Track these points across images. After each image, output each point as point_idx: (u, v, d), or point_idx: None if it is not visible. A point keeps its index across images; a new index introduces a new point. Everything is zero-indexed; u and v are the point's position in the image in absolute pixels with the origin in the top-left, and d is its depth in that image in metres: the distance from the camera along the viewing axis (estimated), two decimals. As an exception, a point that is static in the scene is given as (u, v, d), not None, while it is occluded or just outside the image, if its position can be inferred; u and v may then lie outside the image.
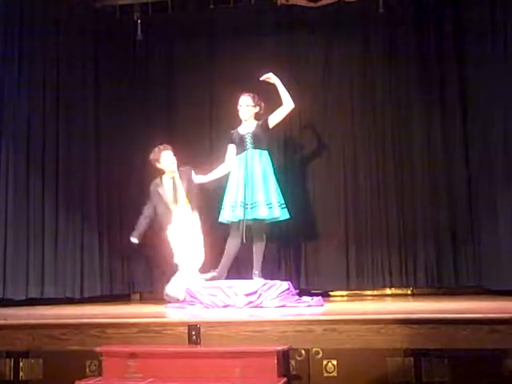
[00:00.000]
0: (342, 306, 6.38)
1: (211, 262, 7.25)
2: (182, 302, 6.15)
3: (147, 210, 6.69)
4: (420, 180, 7.53)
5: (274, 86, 6.43)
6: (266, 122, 6.42)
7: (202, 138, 7.91)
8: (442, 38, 7.56)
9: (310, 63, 7.88)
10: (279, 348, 4.09)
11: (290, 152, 7.83)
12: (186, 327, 4.33)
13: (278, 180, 6.41)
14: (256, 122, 6.47)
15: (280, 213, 6.29)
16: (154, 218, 6.69)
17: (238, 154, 6.47)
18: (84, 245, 7.37)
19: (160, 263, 7.34)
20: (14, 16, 6.92)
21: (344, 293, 7.62)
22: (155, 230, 6.80)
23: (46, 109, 7.11)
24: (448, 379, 4.05)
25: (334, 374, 4.20)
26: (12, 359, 4.60)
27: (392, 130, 7.67)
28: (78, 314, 5.49)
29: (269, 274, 6.76)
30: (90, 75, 7.65)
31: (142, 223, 6.64)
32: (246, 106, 6.45)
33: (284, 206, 6.35)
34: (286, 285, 6.01)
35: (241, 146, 6.43)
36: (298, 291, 6.48)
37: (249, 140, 6.40)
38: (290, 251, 7.68)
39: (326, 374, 4.21)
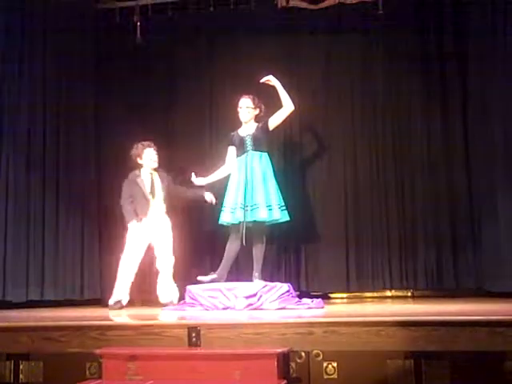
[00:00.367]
0: (343, 308, 6.39)
1: (211, 264, 7.29)
2: (182, 304, 6.15)
3: (128, 198, 6.60)
4: (420, 182, 7.53)
5: (274, 88, 6.43)
6: (266, 124, 6.42)
7: (202, 139, 7.90)
8: (443, 39, 7.57)
9: (311, 65, 7.88)
10: (279, 350, 4.08)
11: (290, 154, 7.83)
12: (186, 329, 4.33)
13: (278, 182, 6.41)
14: (256, 124, 6.47)
15: (280, 215, 6.29)
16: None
17: (238, 155, 6.47)
18: (84, 247, 7.36)
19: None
20: (14, 19, 6.94)
21: (344, 295, 7.61)
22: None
23: (46, 110, 7.13)
24: (448, 381, 4.04)
25: (335, 376, 4.20)
26: (12, 361, 4.60)
27: (392, 131, 7.68)
28: (78, 316, 5.49)
29: (269, 276, 6.78)
30: (90, 77, 7.65)
31: (129, 207, 6.57)
32: (246, 108, 6.45)
33: (284, 208, 6.35)
34: (286, 287, 6.01)
35: (241, 147, 6.43)
36: (298, 293, 6.48)
37: (249, 142, 6.40)
38: (290, 253, 7.68)
39: (326, 377, 4.21)
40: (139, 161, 6.71)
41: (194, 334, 4.29)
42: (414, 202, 7.52)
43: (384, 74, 7.74)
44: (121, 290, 6.47)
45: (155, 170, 6.76)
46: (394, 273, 7.44)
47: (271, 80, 6.43)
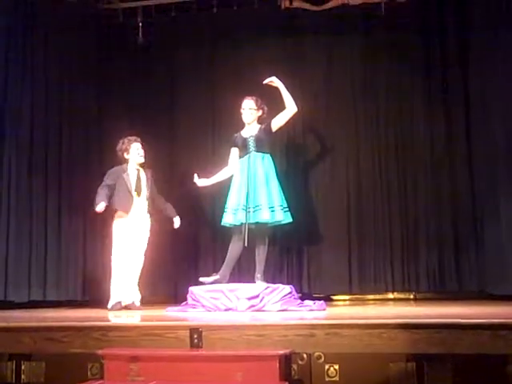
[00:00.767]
0: (345, 310, 6.37)
1: (213, 265, 7.29)
2: (184, 305, 6.14)
3: (106, 185, 6.49)
4: (423, 184, 7.53)
5: (277, 89, 6.43)
6: (268, 125, 6.42)
7: (205, 140, 7.91)
8: (445, 40, 7.58)
9: (313, 67, 7.89)
10: (281, 352, 4.07)
11: (293, 155, 7.83)
12: (188, 331, 4.32)
13: (280, 183, 6.41)
14: (259, 125, 6.47)
15: (282, 216, 6.28)
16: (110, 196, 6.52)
17: (240, 157, 6.47)
18: (87, 248, 7.37)
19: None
20: (16, 19, 6.95)
21: (346, 297, 7.61)
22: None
23: (48, 110, 7.14)
24: (450, 384, 4.04)
25: (336, 378, 4.19)
26: (14, 362, 4.60)
27: (395, 133, 7.68)
28: (81, 317, 5.49)
29: (271, 277, 6.77)
30: (92, 77, 7.66)
31: (102, 193, 6.43)
32: (249, 109, 6.46)
33: (286, 209, 6.35)
34: (288, 288, 6.01)
35: (243, 149, 6.43)
36: (300, 295, 6.47)
37: (252, 143, 6.39)
38: (292, 255, 7.68)
39: (327, 379, 4.20)
40: (126, 155, 6.64)
41: (195, 336, 4.28)
42: (417, 204, 7.52)
43: (387, 75, 7.74)
44: (118, 291, 6.41)
45: (141, 166, 6.69)
46: (396, 275, 7.44)
47: (274, 81, 6.43)
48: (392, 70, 7.72)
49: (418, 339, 4.05)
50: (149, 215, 6.63)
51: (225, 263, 6.35)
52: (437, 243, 7.39)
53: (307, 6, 7.53)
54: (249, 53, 7.82)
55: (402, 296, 7.53)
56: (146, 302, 6.70)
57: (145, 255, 6.59)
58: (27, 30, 7.03)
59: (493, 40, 6.75)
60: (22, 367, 4.60)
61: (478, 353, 3.99)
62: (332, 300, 7.47)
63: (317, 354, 4.21)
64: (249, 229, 6.17)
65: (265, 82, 6.45)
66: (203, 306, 5.95)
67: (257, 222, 6.22)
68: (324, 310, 5.86)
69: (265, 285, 6.04)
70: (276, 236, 7.05)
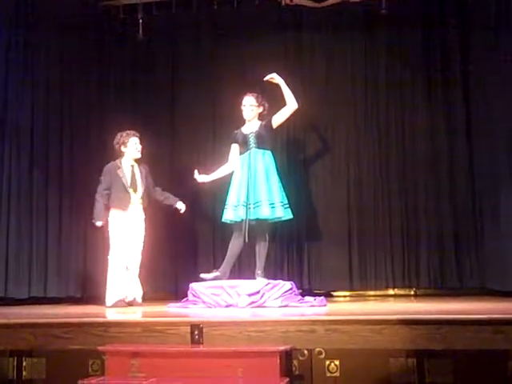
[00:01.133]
0: (345, 306, 6.38)
1: (214, 261, 7.29)
2: (185, 301, 6.15)
3: (104, 190, 6.46)
4: (423, 180, 7.52)
5: (277, 86, 6.43)
6: (269, 122, 6.42)
7: (206, 137, 7.90)
8: (446, 38, 7.56)
9: (314, 63, 7.87)
10: (282, 348, 4.08)
11: (293, 152, 7.82)
12: (189, 327, 4.33)
13: (281, 180, 6.41)
14: (259, 122, 6.47)
15: (283, 213, 6.29)
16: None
17: (241, 153, 6.47)
18: (87, 244, 7.37)
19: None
20: (17, 15, 6.94)
21: (347, 293, 7.61)
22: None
23: (49, 107, 7.14)
24: (451, 380, 4.04)
25: (337, 374, 4.20)
26: (15, 358, 4.61)
27: (396, 129, 7.67)
28: (81, 313, 5.50)
29: (272, 273, 6.78)
30: (93, 74, 7.66)
31: (101, 203, 6.43)
32: (250, 105, 6.46)
33: (287, 205, 6.35)
34: (288, 285, 6.02)
35: (244, 145, 6.44)
36: (300, 291, 6.49)
37: (252, 140, 6.40)
38: (292, 251, 7.67)
39: (328, 374, 4.21)
40: (123, 149, 6.58)
41: (196, 332, 4.29)
42: (417, 200, 7.51)
43: (387, 71, 7.72)
44: (119, 288, 6.38)
45: (136, 161, 6.65)
46: (397, 271, 7.43)
47: (275, 78, 6.43)
48: (392, 66, 7.71)
49: (419, 335, 4.06)
50: (143, 211, 6.59)
51: (225, 260, 6.35)
52: (437, 239, 7.38)
53: (307, 2, 7.51)
54: (249, 49, 7.80)
55: (402, 292, 7.53)
56: (147, 298, 6.70)
57: (142, 251, 6.55)
58: (27, 27, 7.01)
59: (495, 34, 6.74)
60: (23, 363, 4.62)
61: (478, 348, 4.00)
62: (332, 296, 7.47)
63: (317, 349, 4.22)
64: (249, 225, 6.18)
65: (265, 78, 6.46)
66: (204, 302, 5.96)
67: (257, 219, 6.23)
68: (325, 306, 5.87)
69: (265, 281, 6.05)
70: (276, 232, 7.05)
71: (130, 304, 6.40)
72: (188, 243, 7.71)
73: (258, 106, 6.46)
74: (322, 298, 6.04)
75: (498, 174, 6.71)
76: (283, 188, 6.39)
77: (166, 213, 6.84)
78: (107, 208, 6.47)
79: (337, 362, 4.21)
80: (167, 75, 8.12)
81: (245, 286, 5.97)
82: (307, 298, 6.00)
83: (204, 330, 4.30)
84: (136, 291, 6.52)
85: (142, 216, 6.58)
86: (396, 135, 7.67)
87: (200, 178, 6.61)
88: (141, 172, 6.62)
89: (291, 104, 6.39)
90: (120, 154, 6.62)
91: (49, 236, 7.02)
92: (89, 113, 7.56)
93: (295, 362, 4.21)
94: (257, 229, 6.29)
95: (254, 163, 6.32)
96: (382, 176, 7.63)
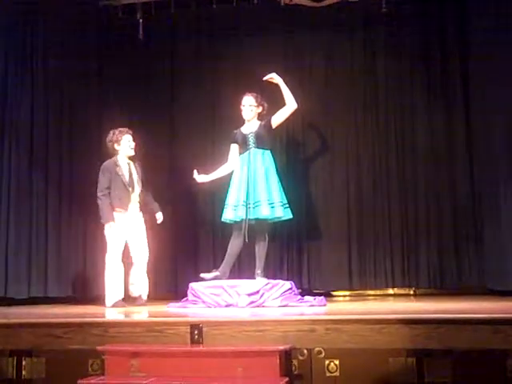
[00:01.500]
0: (345, 305, 6.38)
1: (214, 261, 7.30)
2: (185, 301, 6.15)
3: (106, 189, 6.39)
4: (423, 180, 7.52)
5: (277, 85, 6.43)
6: (269, 122, 6.43)
7: (205, 137, 7.90)
8: (446, 36, 7.58)
9: (313, 63, 7.88)
10: (281, 347, 4.09)
11: (293, 152, 7.83)
12: (189, 327, 4.33)
13: (280, 180, 6.42)
14: (259, 121, 6.48)
15: (282, 212, 6.30)
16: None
17: (240, 153, 6.48)
18: (87, 244, 7.37)
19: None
20: (17, 15, 6.94)
21: (346, 293, 7.61)
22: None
23: (48, 108, 7.14)
24: (450, 379, 4.05)
25: (337, 373, 4.21)
26: (15, 358, 4.61)
27: (395, 129, 7.67)
28: (81, 313, 5.51)
29: (271, 273, 6.78)
30: (92, 74, 7.65)
31: (107, 202, 6.35)
32: (249, 105, 6.46)
33: (286, 205, 6.36)
34: (288, 284, 6.02)
35: (244, 145, 6.44)
36: (300, 291, 6.49)
37: (252, 140, 6.40)
38: (292, 251, 7.68)
39: (328, 374, 4.21)
40: (116, 147, 6.54)
41: (196, 332, 4.30)
42: (417, 199, 7.52)
43: (386, 71, 7.73)
44: (118, 288, 6.37)
45: (131, 159, 6.62)
46: (397, 271, 7.44)
47: (274, 78, 6.44)
48: (392, 66, 7.71)
49: (418, 334, 4.06)
50: (140, 210, 6.57)
51: (225, 259, 6.36)
52: (437, 239, 7.39)
53: (307, 2, 7.51)
54: (248, 49, 7.80)
55: (402, 292, 7.53)
56: (147, 298, 6.70)
57: (148, 247, 6.54)
58: (27, 28, 7.02)
59: (493, 35, 6.72)
60: (23, 363, 4.62)
61: (477, 348, 4.00)
62: (332, 296, 7.47)
63: (317, 349, 4.22)
64: (249, 225, 6.18)
65: (265, 78, 6.46)
66: (204, 302, 5.96)
67: (257, 218, 6.23)
68: (324, 305, 5.87)
69: (265, 281, 6.06)
70: (276, 232, 7.05)
71: (135, 300, 6.39)
72: (188, 243, 7.71)
73: (258, 105, 6.47)
74: (321, 297, 6.05)
75: (498, 174, 6.71)
76: (283, 188, 6.39)
77: (165, 212, 6.82)
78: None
79: (336, 362, 4.21)
80: (166, 75, 8.12)
81: (244, 285, 5.97)
82: (307, 298, 6.00)
83: (204, 329, 4.30)
84: (142, 288, 6.50)
85: (140, 213, 6.55)
86: (396, 134, 7.67)
87: (199, 177, 6.61)
88: (137, 170, 6.60)
89: (290, 104, 6.39)
90: (114, 152, 6.58)
91: (49, 236, 7.02)
92: (88, 113, 7.56)
93: (295, 362, 4.21)
94: (256, 228, 6.29)
95: (254, 163, 6.32)
96: (381, 176, 7.63)
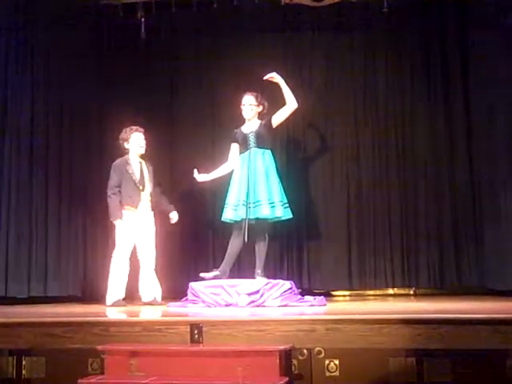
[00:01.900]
0: (345, 305, 6.39)
1: (213, 261, 7.30)
2: (185, 301, 6.15)
3: (116, 187, 6.39)
4: (423, 179, 7.52)
5: (277, 85, 6.43)
6: (269, 121, 6.42)
7: (205, 136, 7.89)
8: (446, 36, 7.57)
9: (314, 63, 7.87)
10: (281, 347, 4.09)
11: (293, 151, 7.82)
12: (189, 326, 4.33)
13: (280, 179, 6.42)
14: (259, 121, 6.47)
15: (282, 212, 6.29)
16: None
17: (241, 152, 6.48)
18: (87, 242, 7.37)
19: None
20: (17, 14, 6.94)
21: (346, 293, 7.61)
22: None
23: (48, 106, 7.13)
24: (450, 379, 4.05)
25: (336, 373, 4.21)
26: (14, 357, 4.62)
27: (395, 129, 7.67)
28: (81, 313, 5.51)
29: (271, 273, 6.78)
30: (92, 73, 7.64)
31: (116, 200, 6.36)
32: (250, 105, 6.46)
33: (287, 205, 6.35)
34: (288, 284, 6.02)
35: (244, 145, 6.44)
36: (300, 291, 6.48)
37: (252, 139, 6.40)
38: (292, 250, 7.67)
39: (328, 374, 4.22)
40: (126, 145, 6.54)
41: (196, 331, 4.30)
42: (417, 199, 7.51)
43: (387, 71, 7.73)
44: (119, 288, 6.36)
45: (143, 158, 6.62)
46: (397, 271, 7.44)
47: (275, 77, 6.43)
48: (392, 66, 7.71)
49: (418, 334, 4.06)
50: (151, 209, 6.56)
51: (225, 259, 6.36)
52: (437, 239, 7.38)
53: (307, 1, 7.50)
54: (249, 48, 7.80)
55: (402, 291, 7.53)
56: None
57: (156, 248, 6.52)
58: (27, 28, 7.01)
59: (494, 36, 6.73)
60: (23, 362, 4.63)
61: (477, 348, 4.00)
62: (332, 295, 7.47)
63: (317, 349, 4.22)
64: (249, 224, 6.18)
65: (265, 77, 6.46)
66: (203, 301, 5.96)
67: (257, 218, 6.23)
68: (324, 305, 5.87)
69: (265, 280, 6.05)
70: (276, 232, 7.04)
71: (150, 304, 6.35)
72: (187, 242, 7.70)
73: (258, 105, 6.46)
74: (321, 297, 6.05)
75: (498, 174, 6.71)
76: (283, 187, 6.39)
77: (160, 210, 6.81)
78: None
79: (336, 362, 4.21)
80: (167, 74, 8.10)
81: (244, 285, 5.97)
82: (307, 298, 6.00)
83: (203, 329, 4.31)
84: (155, 290, 6.47)
85: (151, 213, 6.55)
86: (396, 134, 7.66)
87: (199, 177, 6.61)
88: (148, 169, 6.60)
89: (291, 103, 6.39)
90: (125, 151, 6.59)
91: (49, 235, 7.00)
92: (88, 113, 7.54)
93: (295, 362, 4.22)
94: (256, 228, 6.29)
95: (254, 162, 6.32)
96: (381, 175, 7.63)
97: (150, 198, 6.54)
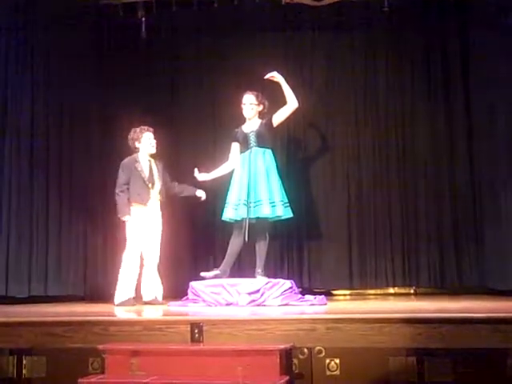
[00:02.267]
0: (345, 304, 6.39)
1: (214, 260, 7.30)
2: (185, 300, 6.15)
3: (124, 185, 6.40)
4: (423, 179, 7.52)
5: (278, 84, 6.43)
6: (270, 120, 6.42)
7: (206, 135, 7.89)
8: (447, 36, 7.57)
9: (314, 62, 7.87)
10: (282, 346, 4.09)
11: (294, 150, 7.83)
12: (189, 325, 4.34)
13: (281, 178, 6.42)
14: (260, 120, 6.47)
15: (283, 211, 6.29)
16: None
17: (241, 152, 6.48)
18: (88, 242, 7.37)
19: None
20: (17, 14, 6.94)
21: (347, 292, 7.61)
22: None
23: (49, 106, 7.14)
24: (450, 379, 4.05)
25: (337, 372, 4.21)
26: (15, 357, 4.62)
27: (396, 129, 7.67)
28: (82, 312, 5.51)
29: (272, 272, 6.78)
30: (93, 73, 7.64)
31: (124, 197, 6.36)
32: (250, 104, 6.46)
33: (287, 204, 6.35)
34: (288, 283, 6.02)
35: (244, 144, 6.44)
36: (300, 290, 6.49)
37: (253, 138, 6.40)
38: (293, 250, 7.67)
39: (328, 373, 4.22)
40: (137, 145, 6.56)
41: (196, 330, 4.30)
42: (417, 199, 7.52)
43: (387, 71, 7.73)
44: (129, 286, 6.33)
45: (152, 157, 6.63)
46: (397, 270, 7.44)
47: (275, 76, 6.43)
48: (393, 65, 7.71)
49: (419, 334, 4.06)
50: (160, 208, 6.56)
51: (225, 258, 6.36)
52: (437, 238, 7.39)
53: (308, 1, 7.50)
54: (250, 48, 7.80)
55: (402, 291, 7.53)
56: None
57: (160, 248, 6.51)
58: (27, 28, 7.01)
59: (495, 36, 6.72)
60: (24, 362, 4.63)
61: (477, 347, 4.00)
62: (332, 295, 7.47)
63: (317, 348, 4.22)
64: (249, 224, 6.18)
65: (266, 76, 6.45)
66: (204, 300, 5.96)
67: (257, 217, 6.23)
68: (325, 304, 5.87)
69: (265, 280, 6.05)
70: (277, 231, 7.04)
71: (150, 303, 6.35)
72: (188, 241, 7.70)
73: (258, 104, 6.46)
74: (322, 296, 6.06)
75: (499, 174, 6.71)
76: (283, 187, 6.39)
77: (166, 211, 6.81)
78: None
79: (337, 361, 4.21)
80: (167, 74, 8.10)
81: (245, 284, 5.97)
82: (307, 297, 6.00)
83: (204, 328, 4.31)
84: (156, 289, 6.47)
85: (160, 212, 6.55)
86: (396, 134, 7.67)
87: (200, 176, 6.61)
88: (157, 167, 6.60)
89: (291, 102, 6.38)
90: (135, 150, 6.60)
91: (49, 235, 7.02)
92: (89, 113, 7.55)
93: (295, 361, 4.22)
94: (257, 227, 6.29)
95: (255, 162, 6.32)
96: (382, 174, 7.63)
97: (159, 197, 6.54)
